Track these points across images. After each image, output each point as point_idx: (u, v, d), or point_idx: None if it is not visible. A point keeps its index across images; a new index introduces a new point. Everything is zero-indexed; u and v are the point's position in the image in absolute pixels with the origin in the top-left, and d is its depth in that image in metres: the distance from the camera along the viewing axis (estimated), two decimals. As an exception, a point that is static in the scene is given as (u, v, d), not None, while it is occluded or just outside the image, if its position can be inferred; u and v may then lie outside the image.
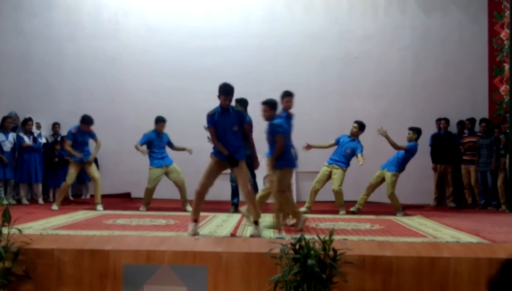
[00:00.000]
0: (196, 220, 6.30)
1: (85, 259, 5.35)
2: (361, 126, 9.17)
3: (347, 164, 9.12)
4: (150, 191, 9.25)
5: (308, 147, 9.16)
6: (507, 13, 10.89)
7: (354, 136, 9.16)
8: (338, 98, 11.36)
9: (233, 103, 6.56)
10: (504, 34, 11.20)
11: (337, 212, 8.97)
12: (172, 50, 11.74)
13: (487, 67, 11.32)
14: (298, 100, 11.08)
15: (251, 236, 6.11)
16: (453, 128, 11.13)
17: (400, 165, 9.15)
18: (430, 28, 11.61)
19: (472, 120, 10.83)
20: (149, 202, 9.24)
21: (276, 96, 11.14)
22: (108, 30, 11.90)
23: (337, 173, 9.04)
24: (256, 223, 6.23)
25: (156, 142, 9.29)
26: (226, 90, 6.26)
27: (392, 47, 11.64)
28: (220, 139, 6.32)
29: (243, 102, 8.79)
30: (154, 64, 11.74)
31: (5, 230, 5.21)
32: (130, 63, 11.80)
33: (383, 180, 9.21)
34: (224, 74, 10.80)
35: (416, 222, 7.97)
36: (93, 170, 9.33)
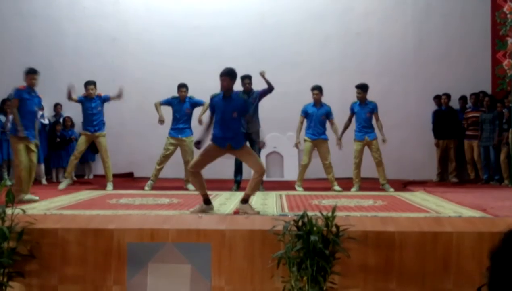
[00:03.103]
0: (206, 196, 6.29)
1: (89, 238, 5.37)
2: (321, 91, 9.14)
3: (325, 132, 9.15)
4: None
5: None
6: (510, -14, 10.79)
7: (319, 102, 9.14)
8: (340, 75, 11.28)
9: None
10: (507, 7, 11.09)
11: (329, 189, 8.99)
12: (173, 30, 11.66)
13: (490, 41, 11.23)
14: (300, 78, 11.17)
15: (239, 212, 6.16)
16: (455, 103, 11.09)
17: None
18: (432, 3, 11.50)
19: (476, 95, 10.77)
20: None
21: (278, 75, 11.18)
22: (108, 9, 11.81)
23: (324, 146, 9.06)
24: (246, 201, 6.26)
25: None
26: (222, 71, 6.26)
27: (394, 24, 11.55)
28: (220, 124, 6.29)
29: (247, 78, 8.81)
30: (154, 44, 11.68)
31: (9, 211, 5.23)
32: (131, 43, 11.74)
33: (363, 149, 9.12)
34: (225, 53, 10.84)
35: (418, 197, 7.99)
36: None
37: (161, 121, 9.13)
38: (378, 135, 9.05)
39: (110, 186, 9.06)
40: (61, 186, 9.03)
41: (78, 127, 11.39)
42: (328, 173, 9.10)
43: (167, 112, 9.29)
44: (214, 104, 6.35)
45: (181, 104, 9.15)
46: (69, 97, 8.99)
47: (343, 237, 4.88)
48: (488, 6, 11.28)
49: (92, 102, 9.10)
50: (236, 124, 6.30)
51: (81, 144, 9.08)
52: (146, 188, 9.00)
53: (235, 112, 6.26)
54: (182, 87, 9.13)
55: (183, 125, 9.13)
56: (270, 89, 9.00)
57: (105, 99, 9.18)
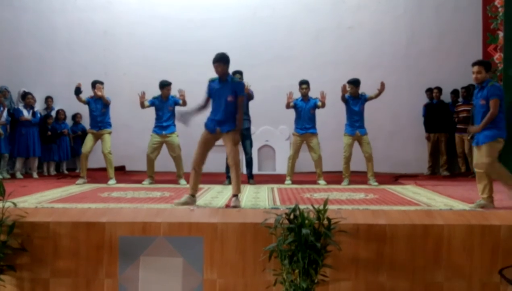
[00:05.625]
0: (193, 195, 6.39)
1: (81, 231, 5.36)
2: (309, 85, 9.19)
3: (315, 126, 9.20)
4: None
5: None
6: (502, -20, 10.79)
7: (307, 97, 9.19)
8: (332, 69, 11.29)
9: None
10: (498, 1, 11.08)
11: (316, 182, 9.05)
12: (165, 23, 11.62)
13: (481, 35, 11.26)
14: (292, 72, 11.15)
15: (233, 206, 6.19)
16: (447, 97, 11.12)
17: None
18: (424, -3, 11.56)
19: (467, 89, 10.81)
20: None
21: (271, 68, 11.25)
22: (99, 2, 11.76)
23: (314, 140, 9.11)
24: (236, 196, 6.34)
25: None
26: (215, 58, 6.33)
27: (386, 17, 11.57)
28: (214, 108, 6.37)
29: (238, 73, 8.78)
30: (147, 37, 11.64)
31: (-1, 204, 5.22)
32: (123, 36, 11.69)
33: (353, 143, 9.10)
34: (217, 46, 10.59)
35: (409, 190, 8.03)
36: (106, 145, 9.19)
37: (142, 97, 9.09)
38: (368, 130, 9.07)
39: (112, 181, 9.02)
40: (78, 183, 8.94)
41: (69, 120, 11.37)
42: (316, 167, 9.15)
43: (151, 110, 9.30)
44: (211, 88, 6.42)
45: (164, 103, 9.15)
46: (79, 99, 9.04)
47: (335, 230, 4.88)
48: (479, 0, 11.30)
49: (98, 103, 9.15)
50: (229, 108, 6.32)
51: (88, 141, 9.10)
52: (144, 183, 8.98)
53: (230, 97, 6.31)
54: (168, 85, 9.16)
55: (166, 123, 9.13)
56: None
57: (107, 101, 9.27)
